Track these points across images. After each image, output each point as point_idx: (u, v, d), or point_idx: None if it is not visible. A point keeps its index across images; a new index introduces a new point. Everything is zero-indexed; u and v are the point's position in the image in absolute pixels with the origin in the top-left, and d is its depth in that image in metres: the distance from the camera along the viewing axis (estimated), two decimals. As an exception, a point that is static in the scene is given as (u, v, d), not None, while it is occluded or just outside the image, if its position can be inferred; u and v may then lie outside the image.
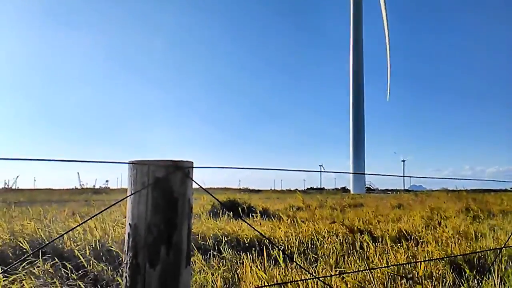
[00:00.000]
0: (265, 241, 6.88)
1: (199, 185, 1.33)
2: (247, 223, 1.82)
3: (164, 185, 1.22)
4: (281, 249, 6.68)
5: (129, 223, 1.26)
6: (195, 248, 6.47)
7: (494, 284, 4.26)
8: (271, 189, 72.73)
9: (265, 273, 4.71)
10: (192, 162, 1.30)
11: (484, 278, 4.65)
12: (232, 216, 11.70)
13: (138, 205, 1.24)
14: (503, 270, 5.02)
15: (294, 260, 5.84)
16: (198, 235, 7.47)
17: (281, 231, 8.04)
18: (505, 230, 8.77)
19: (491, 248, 6.39)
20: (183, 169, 1.25)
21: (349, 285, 4.20)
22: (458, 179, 12.36)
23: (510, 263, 5.21)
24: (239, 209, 12.94)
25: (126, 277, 1.24)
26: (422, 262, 5.26)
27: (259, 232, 1.82)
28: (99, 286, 4.82)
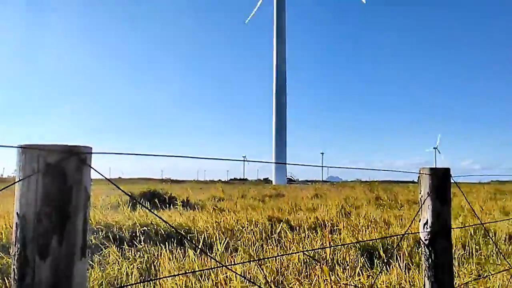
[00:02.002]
0: (185, 232, 6.78)
1: (98, 172, 1.23)
2: (157, 215, 1.73)
3: (57, 172, 1.10)
4: (201, 239, 6.63)
5: (17, 213, 1.13)
6: (111, 240, 6.18)
7: (400, 266, 4.58)
8: (194, 180, 72.06)
9: (182, 264, 4.63)
10: (91, 148, 1.19)
11: (392, 261, 4.98)
12: (153, 206, 11.39)
13: (27, 193, 1.11)
14: (408, 253, 5.43)
15: (204, 249, 5.81)
16: (114, 226, 7.15)
17: (202, 221, 7.98)
18: (411, 218, 9.52)
19: (397, 234, 6.88)
20: (79, 155, 1.13)
21: (266, 272, 4.26)
22: (372, 169, 13.17)
23: (415, 247, 5.66)
24: (156, 199, 12.63)
25: (14, 269, 1.12)
26: (336, 248, 5.52)
27: (170, 224, 1.74)
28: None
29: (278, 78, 74.46)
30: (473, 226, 6.97)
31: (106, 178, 1.43)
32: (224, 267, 3.82)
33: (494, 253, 5.37)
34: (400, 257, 4.91)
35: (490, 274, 3.79)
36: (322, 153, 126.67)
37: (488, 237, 6.46)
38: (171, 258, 4.93)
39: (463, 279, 3.82)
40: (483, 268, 4.39)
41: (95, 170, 1.19)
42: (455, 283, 3.40)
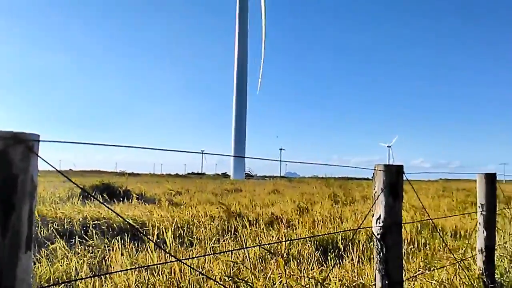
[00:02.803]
0: (139, 225, 6.64)
1: (46, 162, 1.16)
2: (110, 208, 1.67)
3: (1, 159, 1.03)
4: (157, 233, 6.51)
5: (-45, 204, 1.05)
6: (59, 234, 5.95)
7: (353, 259, 4.70)
8: (150, 173, 70.72)
9: (136, 259, 4.53)
10: (38, 135, 1.12)
11: (345, 255, 5.10)
12: (105, 200, 11.06)
13: (-33, 182, 1.04)
14: (361, 247, 5.59)
15: (158, 243, 5.72)
16: (64, 219, 6.88)
17: (158, 215, 7.84)
18: (365, 213, 9.81)
19: (351, 229, 7.06)
20: (25, 142, 1.06)
21: (222, 266, 4.25)
22: (328, 165, 13.37)
23: (368, 242, 5.83)
24: (110, 193, 12.29)
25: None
26: (292, 243, 5.60)
27: (123, 218, 1.69)
28: None
29: (239, 74, 74.38)
30: (422, 222, 7.29)
31: (55, 169, 1.36)
32: (178, 262, 3.77)
33: (441, 248, 5.63)
34: (354, 251, 5.05)
35: (436, 267, 3.96)
36: (281, 149, 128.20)
37: (435, 232, 6.76)
38: (124, 253, 4.81)
39: (412, 272, 3.98)
40: (431, 262, 4.59)
41: (43, 160, 1.13)
42: (404, 276, 3.54)
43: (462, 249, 5.00)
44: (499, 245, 4.86)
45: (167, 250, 5.04)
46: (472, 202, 13.92)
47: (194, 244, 5.95)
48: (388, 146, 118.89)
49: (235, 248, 5.57)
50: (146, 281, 3.85)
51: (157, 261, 4.50)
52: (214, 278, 3.75)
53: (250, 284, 2.63)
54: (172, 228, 6.66)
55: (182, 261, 2.56)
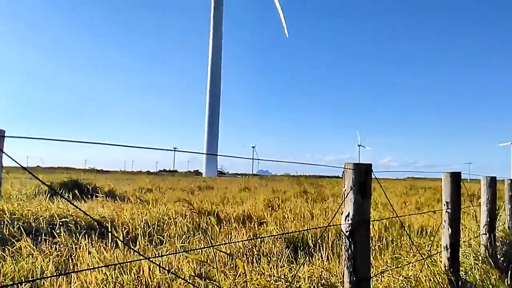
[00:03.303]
0: (108, 223, 6.51)
1: (12, 158, 1.11)
2: (76, 206, 1.62)
3: (-43, 154, 0.98)
4: (126, 231, 6.40)
5: None
6: (25, 232, 5.75)
7: (322, 257, 4.75)
8: (121, 171, 69.40)
9: (104, 257, 4.43)
10: (4, 131, 1.07)
11: (315, 252, 5.16)
12: (74, 197, 10.79)
13: None
14: (331, 244, 5.67)
15: (126, 242, 5.64)
16: (30, 217, 6.66)
17: (127, 213, 7.70)
18: (334, 211, 9.94)
19: (320, 226, 7.14)
20: (-13, 137, 1.02)
21: (192, 264, 4.21)
22: (299, 163, 13.52)
23: (337, 239, 5.91)
24: (78, 190, 12.00)
25: None
26: (263, 241, 5.61)
27: (89, 216, 1.64)
28: None
29: (212, 72, 73.98)
30: (390, 219, 7.45)
31: (20, 165, 1.31)
32: (147, 260, 3.71)
33: (408, 244, 5.77)
34: (323, 248, 5.11)
35: (403, 263, 4.06)
36: (253, 147, 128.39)
37: (402, 229, 6.93)
38: (91, 251, 4.70)
39: (379, 269, 4.06)
40: (398, 258, 4.70)
41: (8, 156, 1.08)
42: (372, 272, 3.61)
43: (428, 246, 5.14)
44: (464, 242, 5.02)
45: (136, 248, 4.97)
46: (438, 200, 14.35)
47: (164, 242, 5.88)
48: (359, 145, 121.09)
49: (204, 246, 5.53)
50: (114, 280, 3.78)
51: (125, 260, 4.42)
52: (183, 277, 3.71)
53: (218, 284, 2.61)
54: (142, 226, 6.57)
55: (149, 259, 2.52)
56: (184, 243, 5.81)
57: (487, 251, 4.78)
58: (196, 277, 3.37)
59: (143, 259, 3.65)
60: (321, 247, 5.29)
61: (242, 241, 5.30)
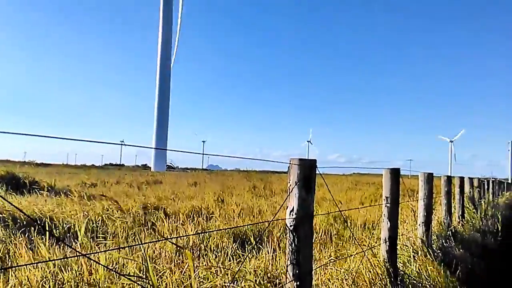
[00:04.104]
0: (47, 220, 6.20)
1: None
2: (9, 202, 1.52)
3: None
4: (67, 227, 6.13)
5: None
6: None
7: (269, 252, 4.80)
8: (63, 164, 66.36)
9: (41, 254, 4.22)
10: None
11: (262, 246, 5.20)
12: (11, 192, 10.19)
13: None
14: (277, 239, 5.74)
15: (63, 238, 5.42)
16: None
17: (69, 208, 7.39)
18: (283, 206, 10.07)
19: (266, 220, 7.21)
20: None
21: (137, 261, 4.11)
22: (247, 158, 13.56)
23: (284, 233, 6.00)
24: (16, 184, 11.36)
25: None
26: (211, 235, 5.58)
27: (24, 213, 1.55)
28: None
29: (162, 65, 72.42)
30: (336, 214, 7.67)
31: None
32: (89, 257, 3.57)
33: (351, 238, 5.97)
34: (270, 242, 5.16)
35: (345, 256, 4.19)
36: (204, 141, 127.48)
37: (346, 224, 7.15)
38: (27, 249, 4.46)
39: (323, 261, 4.16)
40: (341, 251, 4.84)
41: None
42: (316, 265, 3.69)
43: (369, 239, 5.34)
44: (402, 235, 5.27)
45: (77, 245, 4.78)
46: (381, 195, 14.97)
47: (108, 239, 5.70)
48: (308, 141, 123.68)
49: (150, 241, 5.42)
50: (54, 277, 3.61)
51: (64, 257, 4.23)
52: (127, 274, 3.61)
53: (152, 281, 2.56)
54: (84, 222, 6.33)
55: (85, 255, 2.43)
56: (129, 239, 5.66)
57: (423, 244, 5.05)
58: (140, 274, 3.29)
59: (79, 255, 3.51)
60: (268, 242, 5.35)
61: (189, 235, 5.25)
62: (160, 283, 3.48)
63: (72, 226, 6.18)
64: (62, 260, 3.81)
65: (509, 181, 54.47)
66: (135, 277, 3.15)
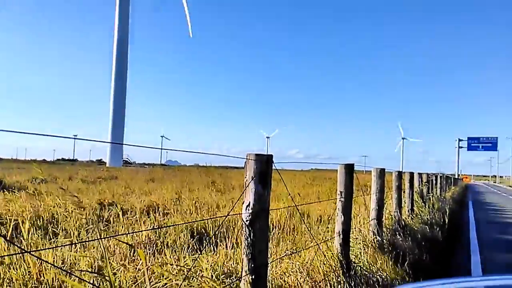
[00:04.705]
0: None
1: None
2: None
3: None
4: (15, 224, 5.87)
5: None
6: None
7: (226, 246, 4.82)
8: (12, 158, 63.28)
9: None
10: None
11: (220, 241, 5.21)
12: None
13: None
14: (236, 233, 5.76)
15: (7, 235, 5.21)
16: None
17: (18, 205, 7.07)
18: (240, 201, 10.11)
19: (222, 215, 7.23)
20: None
21: (89, 258, 4.01)
22: (204, 153, 13.52)
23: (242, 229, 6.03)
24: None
25: None
26: (168, 231, 5.53)
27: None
28: None
29: (119, 55, 70.41)
30: (293, 209, 7.79)
31: None
32: (33, 254, 3.45)
33: (306, 232, 6.10)
34: (229, 237, 5.18)
35: (301, 250, 4.28)
36: (162, 136, 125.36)
37: (304, 218, 7.30)
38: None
39: (279, 255, 4.23)
40: (297, 245, 4.94)
41: None
42: (272, 259, 3.75)
43: (324, 232, 5.48)
44: (355, 228, 5.44)
45: (25, 242, 4.59)
46: (337, 190, 15.34)
47: (59, 236, 5.52)
48: (267, 137, 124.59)
49: (103, 237, 5.29)
50: (2, 275, 3.47)
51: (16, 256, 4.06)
52: (80, 270, 3.52)
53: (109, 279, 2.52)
54: (34, 219, 6.09)
55: (30, 252, 2.35)
56: (82, 235, 5.50)
57: (375, 236, 5.24)
58: (93, 271, 3.21)
59: (21, 252, 3.38)
60: (226, 237, 5.36)
61: (144, 230, 5.17)
62: (114, 280, 3.42)
63: (21, 223, 5.93)
64: (9, 257, 3.66)
65: (456, 177, 57.40)
66: (89, 275, 3.08)
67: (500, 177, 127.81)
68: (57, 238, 5.18)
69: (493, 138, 74.19)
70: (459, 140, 76.90)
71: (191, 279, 2.85)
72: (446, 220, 9.28)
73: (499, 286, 0.83)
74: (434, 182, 15.58)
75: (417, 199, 9.97)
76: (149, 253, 4.68)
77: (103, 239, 4.86)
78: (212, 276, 3.22)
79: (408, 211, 8.58)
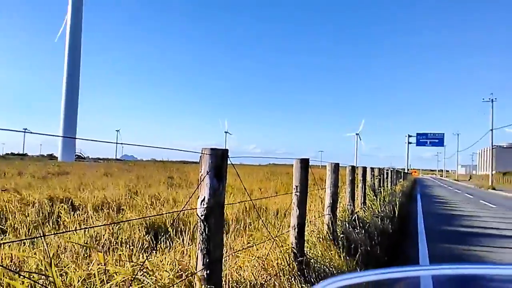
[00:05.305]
0: None
1: None
2: None
3: None
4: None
5: None
6: None
7: (183, 241, 4.78)
8: (-46, 153, 59.43)
9: None
10: None
11: (177, 237, 5.16)
12: None
13: None
14: (193, 229, 5.73)
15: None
16: None
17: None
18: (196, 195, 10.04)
19: (176, 210, 7.17)
20: None
21: (39, 256, 3.86)
22: (165, 148, 13.34)
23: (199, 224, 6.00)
24: None
25: None
26: (122, 228, 5.41)
27: None
28: None
29: (72, 46, 67.59)
30: (251, 203, 7.84)
31: None
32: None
33: (263, 226, 6.17)
34: (185, 233, 5.15)
35: (257, 243, 4.33)
36: (118, 130, 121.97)
37: (261, 212, 7.37)
38: None
39: (236, 249, 4.26)
40: (253, 239, 4.99)
41: None
42: (228, 253, 3.77)
43: (280, 226, 5.57)
44: (310, 222, 5.56)
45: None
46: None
47: (8, 233, 5.28)
48: (225, 132, 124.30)
49: (54, 233, 5.11)
50: None
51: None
52: (29, 269, 3.38)
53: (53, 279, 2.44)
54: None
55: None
56: (31, 232, 5.29)
57: (329, 229, 5.38)
58: (43, 268, 3.10)
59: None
60: (183, 232, 5.32)
61: (95, 226, 5.03)
62: (65, 279, 3.32)
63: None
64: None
65: (406, 171, 59.81)
66: (35, 274, 2.97)
67: (446, 171, 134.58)
68: (5, 236, 4.95)
69: (440, 134, 77.75)
70: (409, 136, 79.98)
71: (144, 276, 2.81)
72: (396, 213, 9.67)
73: (443, 275, 0.87)
74: (385, 176, 16.17)
75: (369, 193, 10.31)
76: (102, 250, 4.57)
77: (54, 236, 4.70)
78: (165, 272, 3.19)
79: (361, 204, 8.86)
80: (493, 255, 7.25)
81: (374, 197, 10.48)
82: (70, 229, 5.65)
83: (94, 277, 2.80)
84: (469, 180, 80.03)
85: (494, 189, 40.71)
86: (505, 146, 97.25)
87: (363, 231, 6.01)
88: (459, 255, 7.13)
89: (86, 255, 4.19)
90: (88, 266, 3.36)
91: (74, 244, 4.40)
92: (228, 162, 2.66)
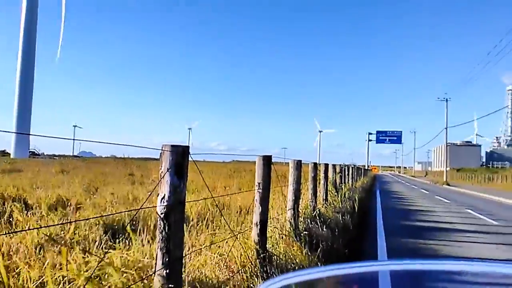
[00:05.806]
0: None
1: None
2: None
3: None
4: None
5: None
6: None
7: (142, 241, 4.66)
8: None
9: None
10: None
11: (134, 236, 5.02)
12: None
13: None
14: (153, 227, 5.60)
15: None
16: None
17: None
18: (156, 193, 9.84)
19: (135, 208, 7.01)
20: None
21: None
22: (124, 145, 13.02)
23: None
24: None
25: None
26: (79, 227, 5.21)
27: None
28: None
29: (26, 38, 64.66)
30: (213, 200, 7.76)
31: None
32: None
33: (226, 224, 6.12)
34: (144, 231, 5.01)
35: (220, 241, 4.28)
36: (75, 126, 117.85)
37: (223, 210, 7.32)
38: None
39: (197, 247, 4.20)
40: (216, 237, 4.94)
41: None
42: (189, 251, 3.71)
43: (243, 223, 5.54)
44: (273, 218, 5.57)
45: None
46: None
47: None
48: (189, 129, 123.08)
49: (8, 236, 4.86)
50: None
51: None
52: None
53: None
54: None
55: None
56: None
57: (291, 226, 5.41)
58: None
59: None
60: (142, 231, 5.19)
61: (49, 226, 4.83)
62: (17, 280, 3.15)
63: None
64: None
65: (366, 167, 61.42)
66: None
67: (404, 168, 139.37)
68: None
69: (398, 132, 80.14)
70: (369, 133, 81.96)
71: (100, 276, 2.71)
72: (356, 208, 9.88)
73: (401, 271, 0.87)
74: (346, 172, 16.49)
75: (331, 189, 10.48)
76: (56, 250, 4.38)
77: (5, 237, 4.46)
78: (123, 272, 3.09)
79: (323, 200, 8.99)
80: (448, 248, 7.56)
81: (336, 193, 10.66)
82: (23, 228, 5.39)
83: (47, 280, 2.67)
84: (425, 176, 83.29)
85: (448, 185, 42.56)
86: (458, 144, 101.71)
87: (324, 226, 6.09)
88: (416, 248, 7.38)
89: (40, 256, 4.00)
90: (41, 268, 3.20)
91: (28, 244, 4.20)
92: (190, 159, 2.60)
